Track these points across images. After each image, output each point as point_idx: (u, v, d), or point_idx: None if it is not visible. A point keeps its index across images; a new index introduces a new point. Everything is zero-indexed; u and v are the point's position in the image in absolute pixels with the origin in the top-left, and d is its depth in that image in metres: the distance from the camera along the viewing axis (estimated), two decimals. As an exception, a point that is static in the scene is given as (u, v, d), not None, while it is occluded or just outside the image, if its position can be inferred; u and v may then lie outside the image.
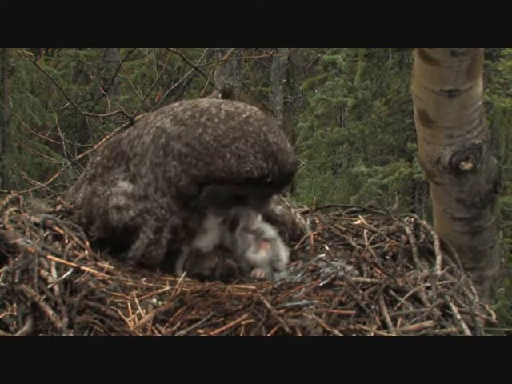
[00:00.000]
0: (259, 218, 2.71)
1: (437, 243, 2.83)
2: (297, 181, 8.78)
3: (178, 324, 2.32)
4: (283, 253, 2.75)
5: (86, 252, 2.58)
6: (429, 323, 2.42)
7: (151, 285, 2.47)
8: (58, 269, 2.43)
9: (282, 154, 2.51)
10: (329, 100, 8.31)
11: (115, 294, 2.40)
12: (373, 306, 2.41)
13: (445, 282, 2.64)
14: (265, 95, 12.88)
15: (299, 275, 2.60)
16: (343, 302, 2.41)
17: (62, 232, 2.64)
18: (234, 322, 2.30)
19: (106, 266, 2.52)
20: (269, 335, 2.27)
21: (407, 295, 2.50)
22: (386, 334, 2.35)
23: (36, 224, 2.65)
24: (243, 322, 2.30)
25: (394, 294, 2.50)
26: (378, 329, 2.37)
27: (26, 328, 2.29)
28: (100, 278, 2.45)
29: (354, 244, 2.85)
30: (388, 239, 2.86)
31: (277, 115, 11.48)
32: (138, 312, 2.34)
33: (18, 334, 2.28)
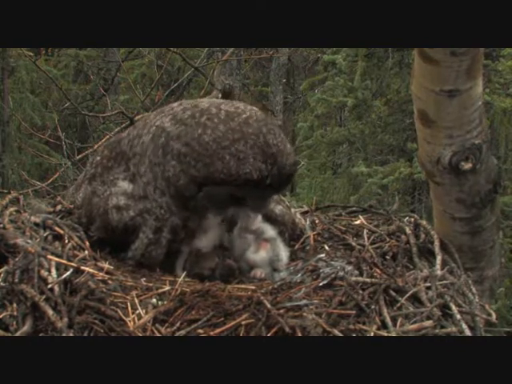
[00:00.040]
0: (259, 217, 2.71)
1: (437, 243, 2.83)
2: (297, 181, 8.78)
3: (178, 324, 2.32)
4: (283, 253, 2.75)
5: (86, 252, 2.58)
6: (429, 323, 2.42)
7: (151, 285, 2.47)
8: (58, 269, 2.43)
9: (282, 156, 2.50)
10: (329, 100, 8.31)
11: (115, 294, 2.40)
12: (373, 306, 2.41)
13: (445, 282, 2.64)
14: (265, 95, 12.88)
15: (299, 275, 2.60)
16: (343, 301, 2.41)
17: (61, 232, 2.64)
18: (234, 322, 2.30)
19: (106, 266, 2.52)
20: (269, 335, 2.27)
21: (407, 295, 2.50)
22: (385, 334, 2.35)
23: (36, 224, 2.65)
24: (243, 322, 2.30)
25: (393, 293, 2.50)
26: (378, 329, 2.37)
27: (25, 328, 2.29)
28: (100, 278, 2.45)
29: (353, 244, 2.85)
30: (388, 239, 2.86)
31: (277, 115, 11.48)
32: (137, 312, 2.34)
33: (18, 334, 2.28)
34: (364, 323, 2.37)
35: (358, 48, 7.96)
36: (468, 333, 2.50)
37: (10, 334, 2.29)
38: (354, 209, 3.27)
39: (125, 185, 2.69)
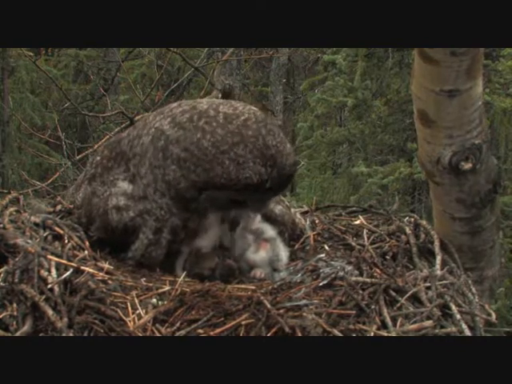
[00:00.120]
0: (258, 217, 2.71)
1: (437, 243, 2.83)
2: (297, 181, 8.78)
3: (178, 324, 2.32)
4: (283, 253, 2.75)
5: (86, 252, 2.58)
6: (429, 323, 2.42)
7: (151, 285, 2.47)
8: (57, 269, 2.43)
9: (281, 156, 2.50)
10: (329, 100, 8.31)
11: (115, 294, 2.40)
12: (373, 306, 2.41)
13: (445, 282, 2.64)
14: (265, 95, 12.88)
15: (299, 275, 2.60)
16: (343, 301, 2.41)
17: (61, 232, 2.64)
18: (233, 322, 2.30)
19: (106, 266, 2.52)
20: (269, 335, 2.27)
21: (407, 295, 2.50)
22: (385, 334, 2.35)
23: (36, 224, 2.65)
24: (243, 322, 2.30)
25: (393, 294, 2.50)
26: (378, 329, 2.37)
27: (25, 328, 2.29)
28: (100, 278, 2.45)
29: (353, 244, 2.85)
30: (388, 239, 2.86)
31: (277, 115, 11.48)
32: (137, 312, 2.34)
33: (18, 334, 2.28)
34: (364, 323, 2.37)
35: (358, 48, 7.96)
36: (468, 333, 2.50)
37: (10, 334, 2.29)
38: (354, 209, 3.27)
39: (125, 185, 2.69)
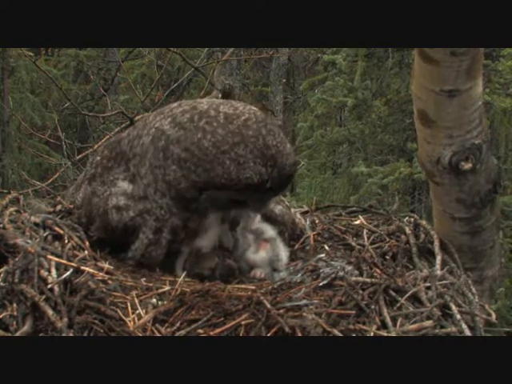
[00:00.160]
0: (258, 217, 2.71)
1: (437, 243, 2.83)
2: (297, 181, 8.78)
3: (178, 324, 2.32)
4: (283, 253, 2.75)
5: (86, 252, 2.58)
6: (429, 323, 2.42)
7: (151, 285, 2.47)
8: (57, 269, 2.43)
9: (281, 156, 2.50)
10: (329, 100, 8.31)
11: (115, 294, 2.40)
12: (373, 306, 2.41)
13: (444, 281, 2.64)
14: (265, 95, 12.88)
15: (299, 275, 2.60)
16: (343, 302, 2.41)
17: (61, 232, 2.64)
18: (233, 322, 2.30)
19: (106, 266, 2.52)
20: (269, 335, 2.27)
21: (407, 295, 2.50)
22: (385, 334, 2.35)
23: (36, 224, 2.65)
24: (243, 322, 2.30)
25: (393, 294, 2.50)
26: (378, 329, 2.37)
27: (26, 328, 2.29)
28: (100, 278, 2.45)
29: (353, 244, 2.85)
30: (388, 239, 2.86)
31: (277, 115, 11.48)
32: (137, 312, 2.34)
33: (18, 334, 2.28)
34: (364, 323, 2.37)
35: (358, 48, 7.96)
36: (468, 333, 2.50)
37: (10, 334, 2.29)
38: (354, 209, 3.27)
39: (125, 185, 2.69)
